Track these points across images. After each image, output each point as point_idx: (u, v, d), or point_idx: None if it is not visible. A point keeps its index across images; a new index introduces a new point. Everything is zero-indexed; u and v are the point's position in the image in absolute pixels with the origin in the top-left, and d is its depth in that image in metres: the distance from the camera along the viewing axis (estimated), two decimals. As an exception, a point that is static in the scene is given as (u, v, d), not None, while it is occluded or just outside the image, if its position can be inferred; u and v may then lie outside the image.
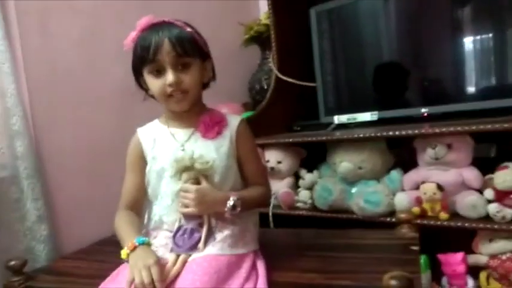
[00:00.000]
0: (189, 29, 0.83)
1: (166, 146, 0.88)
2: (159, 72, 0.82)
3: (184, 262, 0.78)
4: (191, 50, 0.82)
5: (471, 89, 1.30)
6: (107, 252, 1.12)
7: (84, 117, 1.34)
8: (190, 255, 0.79)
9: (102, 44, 1.38)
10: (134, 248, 0.76)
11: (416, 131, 1.14)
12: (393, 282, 0.65)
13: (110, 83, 1.39)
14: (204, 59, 0.86)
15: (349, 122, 1.45)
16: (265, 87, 1.71)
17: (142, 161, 0.90)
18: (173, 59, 0.80)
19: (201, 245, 0.80)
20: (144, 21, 0.83)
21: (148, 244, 0.78)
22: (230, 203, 0.81)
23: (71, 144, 1.30)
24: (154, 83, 0.83)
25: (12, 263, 0.98)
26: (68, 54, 1.31)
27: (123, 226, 0.84)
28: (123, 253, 0.77)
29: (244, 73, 1.86)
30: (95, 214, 1.29)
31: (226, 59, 1.79)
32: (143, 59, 0.81)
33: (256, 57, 1.84)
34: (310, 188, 1.38)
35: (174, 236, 0.82)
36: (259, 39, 1.76)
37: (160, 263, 0.75)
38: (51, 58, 1.27)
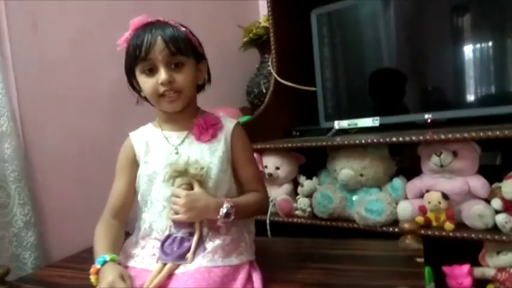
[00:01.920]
0: (183, 29, 0.80)
1: (159, 150, 0.84)
2: (151, 71, 0.78)
3: (170, 272, 0.74)
4: (185, 49, 0.79)
5: (477, 95, 1.27)
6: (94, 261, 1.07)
7: (76, 119, 1.29)
8: (177, 266, 0.75)
9: (95, 44, 1.33)
10: (97, 271, 0.73)
11: (421, 137, 1.10)
12: (400, 299, 0.61)
13: (103, 84, 1.34)
14: (198, 60, 0.83)
15: (350, 127, 1.41)
16: (264, 91, 1.67)
17: (133, 166, 0.86)
18: (166, 57, 0.77)
19: (189, 255, 0.75)
20: (137, 20, 0.80)
21: (113, 260, 0.75)
22: (223, 210, 0.76)
23: (61, 147, 1.25)
24: (146, 82, 0.79)
25: (-6, 271, 0.93)
26: (60, 54, 1.27)
27: (97, 242, 0.80)
28: (92, 279, 0.74)
29: (242, 77, 1.83)
30: (84, 220, 1.22)
31: (224, 62, 1.77)
32: (135, 57, 0.78)
33: (255, 61, 1.80)
34: (310, 195, 1.33)
35: (162, 245, 0.78)
36: (258, 42, 1.72)
37: (126, 273, 0.73)
38: (41, 57, 1.23)
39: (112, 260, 0.75)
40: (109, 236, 0.81)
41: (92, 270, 0.74)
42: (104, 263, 0.74)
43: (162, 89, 0.78)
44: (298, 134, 1.56)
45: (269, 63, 1.63)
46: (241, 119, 1.58)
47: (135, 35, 0.78)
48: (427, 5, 1.33)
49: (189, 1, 1.66)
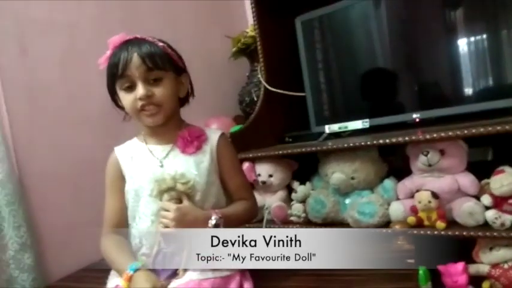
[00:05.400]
0: (161, 44, 0.82)
1: (144, 163, 0.86)
2: (130, 87, 0.81)
3: None
4: (162, 63, 0.81)
5: (463, 92, 1.27)
6: (93, 278, 1.08)
7: (68, 139, 1.31)
8: (169, 282, 0.76)
9: (84, 63, 1.34)
10: (130, 278, 0.74)
11: (407, 138, 1.10)
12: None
13: (94, 102, 1.36)
14: (179, 73, 0.85)
15: (341, 130, 1.42)
16: (255, 99, 1.68)
17: (121, 181, 0.88)
18: (143, 73, 0.79)
19: (180, 270, 0.76)
20: (115, 39, 0.83)
21: (144, 266, 0.77)
22: (212, 222, 0.78)
23: (54, 168, 1.27)
24: (126, 98, 0.82)
25: (-8, 295, 0.95)
26: (49, 74, 1.29)
27: (112, 252, 0.82)
28: (125, 285, 0.75)
29: (234, 86, 1.84)
30: (81, 239, 1.25)
31: (215, 73, 1.78)
32: (113, 75, 0.81)
33: (245, 70, 1.82)
34: (303, 200, 1.34)
35: (153, 261, 0.79)
36: (247, 51, 1.74)
37: (159, 283, 0.75)
38: (31, 78, 1.25)
39: (143, 267, 0.77)
40: (124, 247, 0.83)
41: (125, 276, 0.76)
42: (137, 269, 0.76)
43: (140, 103, 0.80)
44: (291, 140, 1.57)
45: (259, 72, 1.65)
46: (233, 128, 1.59)
47: (113, 53, 0.81)
48: (413, 5, 1.34)
49: (177, 14, 1.68)
